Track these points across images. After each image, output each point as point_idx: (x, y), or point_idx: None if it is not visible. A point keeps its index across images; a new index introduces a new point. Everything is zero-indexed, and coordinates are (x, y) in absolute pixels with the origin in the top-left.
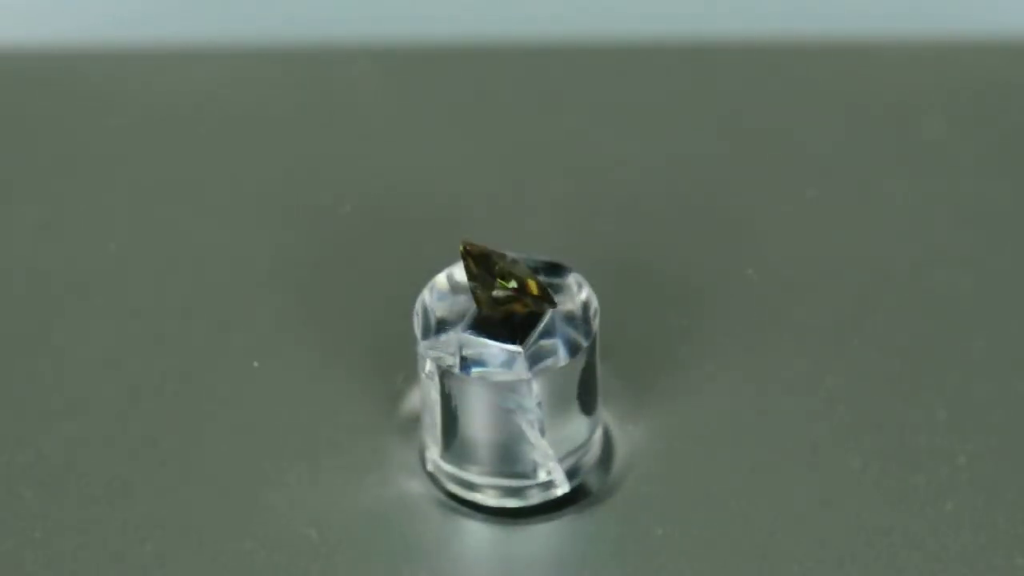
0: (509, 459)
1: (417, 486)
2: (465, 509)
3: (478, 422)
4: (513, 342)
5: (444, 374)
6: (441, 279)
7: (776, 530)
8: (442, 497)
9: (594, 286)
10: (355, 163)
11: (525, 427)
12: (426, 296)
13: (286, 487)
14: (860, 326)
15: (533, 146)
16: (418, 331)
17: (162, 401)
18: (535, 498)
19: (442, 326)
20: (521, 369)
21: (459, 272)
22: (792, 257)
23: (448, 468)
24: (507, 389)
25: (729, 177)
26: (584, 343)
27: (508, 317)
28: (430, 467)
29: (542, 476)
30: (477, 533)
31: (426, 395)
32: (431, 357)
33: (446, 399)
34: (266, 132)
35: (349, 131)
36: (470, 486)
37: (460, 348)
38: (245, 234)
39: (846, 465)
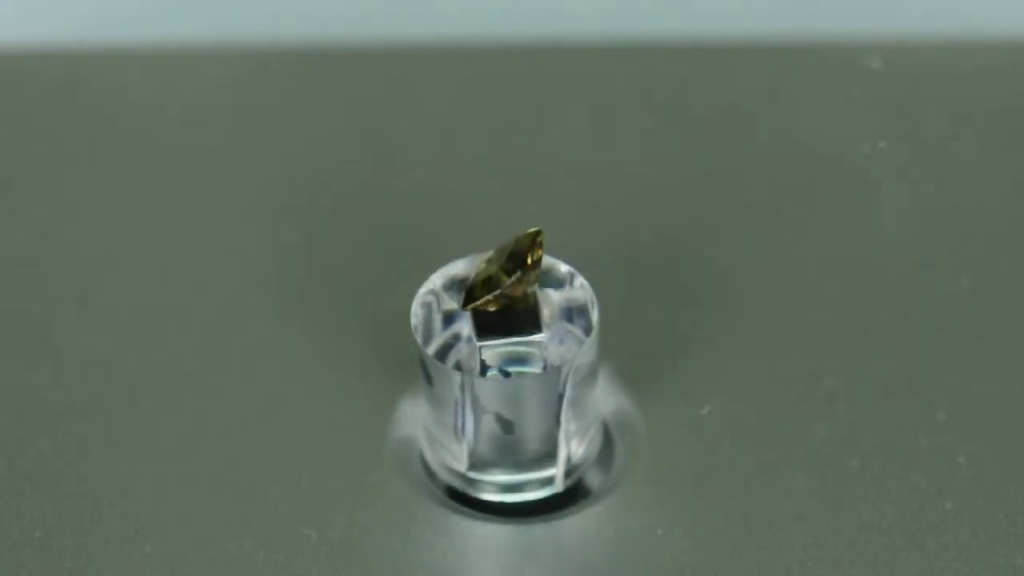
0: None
1: (417, 486)
2: (465, 509)
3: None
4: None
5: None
6: (433, 284)
7: (776, 530)
8: (442, 496)
9: (594, 285)
10: (355, 163)
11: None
12: (420, 308)
13: (286, 487)
14: (860, 326)
15: (533, 146)
16: (420, 340)
17: (162, 401)
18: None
19: (448, 319)
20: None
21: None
22: (792, 257)
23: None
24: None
25: (729, 177)
26: (585, 337)
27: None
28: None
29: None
30: (477, 533)
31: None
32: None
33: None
34: (266, 132)
35: (349, 131)
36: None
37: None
38: (245, 234)
39: (846, 465)
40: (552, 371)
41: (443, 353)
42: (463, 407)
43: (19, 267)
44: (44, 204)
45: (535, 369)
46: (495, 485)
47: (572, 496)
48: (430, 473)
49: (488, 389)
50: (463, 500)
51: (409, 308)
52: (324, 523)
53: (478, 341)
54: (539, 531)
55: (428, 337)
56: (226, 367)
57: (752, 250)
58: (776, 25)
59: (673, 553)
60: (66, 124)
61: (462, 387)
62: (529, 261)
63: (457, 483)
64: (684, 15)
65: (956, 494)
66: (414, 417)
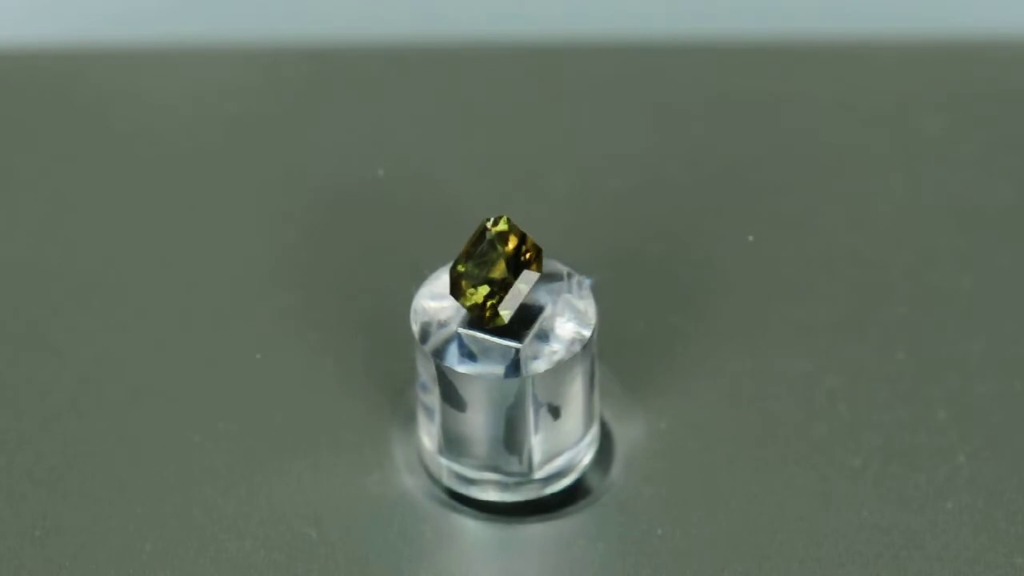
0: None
1: (418, 485)
2: (465, 508)
3: None
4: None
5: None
6: (432, 286)
7: (776, 530)
8: (442, 496)
9: (593, 285)
10: (355, 162)
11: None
12: (422, 300)
13: (286, 486)
14: (860, 326)
15: (533, 146)
16: (416, 334)
17: (162, 401)
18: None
19: (442, 325)
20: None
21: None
22: (792, 257)
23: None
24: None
25: (729, 177)
26: (578, 284)
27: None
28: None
29: None
30: (477, 532)
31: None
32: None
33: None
34: (266, 132)
35: (349, 131)
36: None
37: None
38: (245, 233)
39: (846, 465)
40: (591, 338)
41: (440, 354)
42: (522, 410)
43: (19, 267)
44: (44, 204)
45: (554, 345)
46: (553, 476)
47: (572, 496)
48: (430, 474)
49: (544, 382)
50: (463, 500)
51: (408, 308)
52: (324, 523)
53: (518, 343)
54: (539, 531)
55: (425, 337)
56: (226, 367)
57: (752, 249)
58: (776, 25)
59: (673, 553)
60: (66, 124)
61: (519, 392)
62: (528, 256)
63: (512, 495)
64: (684, 15)
65: (956, 494)
66: (413, 417)
